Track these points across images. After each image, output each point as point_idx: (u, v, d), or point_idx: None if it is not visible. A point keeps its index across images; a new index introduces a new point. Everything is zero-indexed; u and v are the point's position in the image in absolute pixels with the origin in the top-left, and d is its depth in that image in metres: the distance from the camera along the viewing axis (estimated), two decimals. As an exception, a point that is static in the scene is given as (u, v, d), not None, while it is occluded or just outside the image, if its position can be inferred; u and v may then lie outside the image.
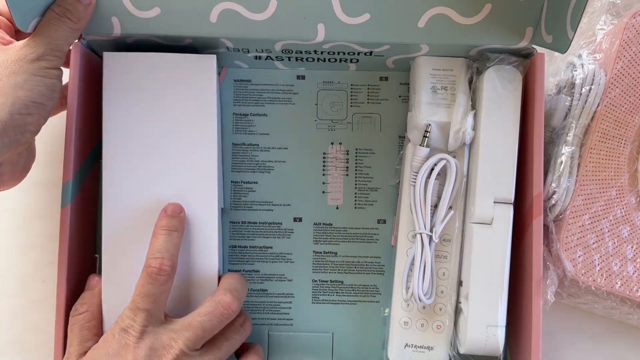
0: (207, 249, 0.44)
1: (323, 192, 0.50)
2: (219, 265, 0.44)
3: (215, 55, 0.44)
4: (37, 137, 0.39)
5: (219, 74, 0.50)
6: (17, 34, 0.41)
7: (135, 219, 0.43)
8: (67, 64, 0.43)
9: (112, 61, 0.44)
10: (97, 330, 0.42)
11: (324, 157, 0.50)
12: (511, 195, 0.44)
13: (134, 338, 0.39)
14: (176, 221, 0.42)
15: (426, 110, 0.45)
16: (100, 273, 0.45)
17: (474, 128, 0.44)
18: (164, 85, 0.44)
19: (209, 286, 0.44)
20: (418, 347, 0.46)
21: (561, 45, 0.39)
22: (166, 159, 0.44)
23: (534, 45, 0.43)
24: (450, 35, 0.42)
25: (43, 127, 0.38)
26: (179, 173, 0.44)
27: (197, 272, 0.44)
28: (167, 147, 0.44)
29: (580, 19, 0.36)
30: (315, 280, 0.50)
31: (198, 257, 0.44)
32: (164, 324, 0.40)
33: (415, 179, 0.45)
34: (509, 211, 0.44)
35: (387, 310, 0.48)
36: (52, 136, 0.50)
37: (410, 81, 0.49)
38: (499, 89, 0.44)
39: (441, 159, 0.45)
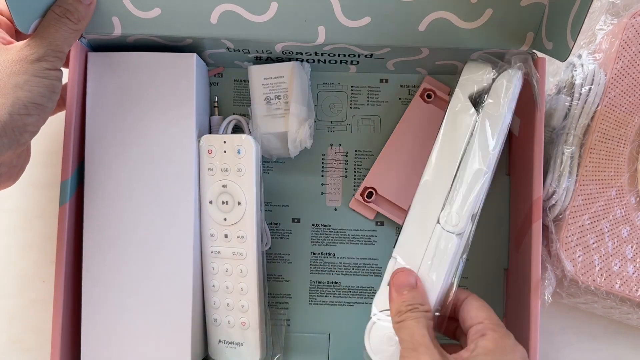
0: (183, 243, 0.44)
1: (322, 193, 0.50)
2: (194, 260, 0.44)
3: (195, 54, 0.44)
4: (36, 138, 0.39)
5: (221, 74, 0.50)
6: (18, 34, 0.41)
7: (116, 214, 0.44)
8: (66, 63, 0.43)
9: (96, 61, 0.44)
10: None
11: (323, 159, 0.50)
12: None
13: None
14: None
15: (262, 124, 0.47)
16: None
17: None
18: (145, 84, 0.44)
19: (183, 276, 0.44)
20: None
21: (561, 53, 0.39)
22: (146, 157, 0.44)
23: (534, 50, 0.43)
24: (451, 39, 0.42)
25: (43, 127, 0.38)
26: (157, 169, 0.44)
27: (172, 264, 0.44)
28: (148, 144, 0.44)
29: (581, 29, 0.36)
30: (313, 281, 0.50)
31: (173, 252, 0.44)
32: None
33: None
34: None
35: None
36: (52, 136, 0.50)
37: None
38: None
39: (231, 120, 0.48)
